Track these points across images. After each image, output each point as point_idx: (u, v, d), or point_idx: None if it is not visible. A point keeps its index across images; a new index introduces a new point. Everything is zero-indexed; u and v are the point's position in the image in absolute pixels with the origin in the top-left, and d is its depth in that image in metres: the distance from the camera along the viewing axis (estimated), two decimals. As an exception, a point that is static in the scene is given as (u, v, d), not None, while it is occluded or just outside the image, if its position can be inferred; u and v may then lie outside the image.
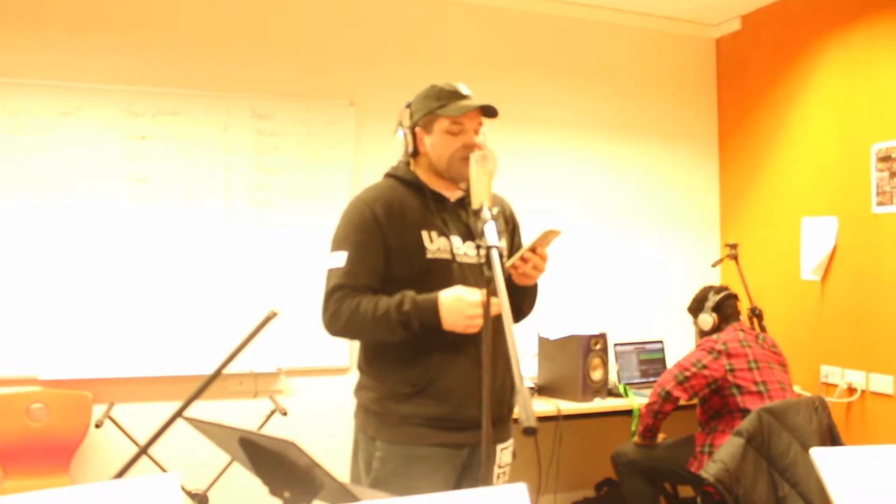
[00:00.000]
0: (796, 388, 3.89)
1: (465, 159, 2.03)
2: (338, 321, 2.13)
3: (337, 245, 2.20)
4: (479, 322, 1.98)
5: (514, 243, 2.41)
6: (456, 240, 2.22)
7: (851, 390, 3.99)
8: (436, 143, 2.19)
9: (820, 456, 1.27)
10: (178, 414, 1.45)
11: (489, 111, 2.18)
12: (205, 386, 1.47)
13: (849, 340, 4.03)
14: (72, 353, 3.66)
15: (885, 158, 3.83)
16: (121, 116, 3.77)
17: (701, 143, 5.02)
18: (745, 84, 4.82)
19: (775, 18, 4.58)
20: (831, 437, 3.30)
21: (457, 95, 2.19)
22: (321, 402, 4.02)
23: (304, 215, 4.04)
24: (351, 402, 2.29)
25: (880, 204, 3.86)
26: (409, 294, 2.09)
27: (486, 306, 1.67)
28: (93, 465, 3.72)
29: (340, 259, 2.16)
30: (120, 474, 1.43)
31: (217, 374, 1.47)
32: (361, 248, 2.15)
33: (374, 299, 2.10)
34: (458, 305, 2.02)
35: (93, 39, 3.79)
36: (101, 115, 3.74)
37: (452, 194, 2.28)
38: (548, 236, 2.05)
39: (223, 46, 3.99)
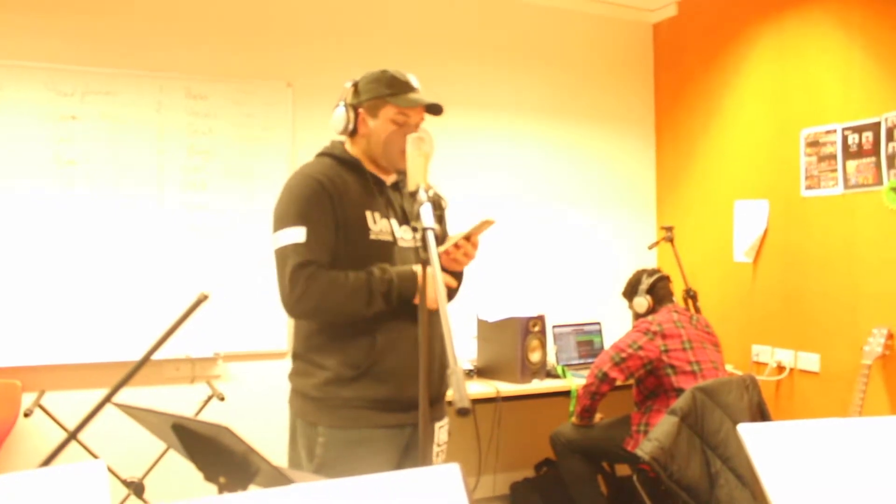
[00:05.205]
0: (728, 367, 4.00)
1: (404, 152, 1.96)
2: (309, 300, 2.05)
3: (289, 220, 2.09)
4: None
5: (441, 227, 2.41)
6: (394, 223, 2.22)
7: (781, 368, 4.12)
8: (378, 129, 2.19)
9: (746, 431, 1.31)
10: (107, 399, 1.42)
11: (436, 109, 2.20)
12: (134, 371, 1.43)
13: (778, 320, 4.16)
14: (-1, 341, 3.54)
15: (813, 143, 3.94)
16: (48, 96, 3.64)
17: (638, 127, 5.09)
18: (681, 69, 4.90)
19: (710, 5, 4.66)
20: (761, 414, 3.40)
21: (408, 87, 2.20)
22: (260, 386, 3.99)
23: (239, 198, 3.96)
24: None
25: (809, 188, 3.97)
26: (386, 266, 2.11)
27: (423, 287, 1.67)
28: (22, 456, 3.61)
29: (297, 234, 2.06)
30: (47, 462, 1.39)
31: (146, 358, 1.44)
32: (316, 223, 2.08)
33: (345, 273, 2.07)
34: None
35: (17, 15, 3.64)
36: (26, 94, 3.60)
37: (388, 177, 2.28)
38: (483, 226, 2.06)
39: (157, 24, 3.88)
